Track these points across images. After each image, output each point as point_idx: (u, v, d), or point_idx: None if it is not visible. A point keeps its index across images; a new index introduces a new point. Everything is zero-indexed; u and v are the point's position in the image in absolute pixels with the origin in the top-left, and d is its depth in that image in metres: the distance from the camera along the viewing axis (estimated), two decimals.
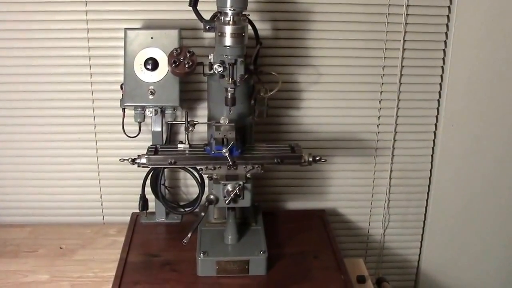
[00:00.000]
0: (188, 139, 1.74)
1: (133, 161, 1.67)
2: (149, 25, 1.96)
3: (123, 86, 1.88)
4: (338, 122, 2.16)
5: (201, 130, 1.94)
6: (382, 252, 2.39)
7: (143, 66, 1.85)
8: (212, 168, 1.67)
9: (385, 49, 2.07)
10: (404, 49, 2.07)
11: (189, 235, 1.62)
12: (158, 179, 1.99)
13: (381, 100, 2.14)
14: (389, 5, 2.01)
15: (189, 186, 2.19)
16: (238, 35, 1.63)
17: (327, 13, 2.02)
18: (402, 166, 2.25)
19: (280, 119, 2.13)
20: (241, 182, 1.64)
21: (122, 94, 1.89)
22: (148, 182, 1.99)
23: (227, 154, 1.62)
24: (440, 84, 2.14)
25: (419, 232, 2.38)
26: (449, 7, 2.03)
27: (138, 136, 1.96)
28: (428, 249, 2.39)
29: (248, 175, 1.66)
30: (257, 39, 1.85)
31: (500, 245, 2.41)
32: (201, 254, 1.74)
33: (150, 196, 2.03)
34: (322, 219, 2.12)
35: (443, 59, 2.11)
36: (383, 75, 2.11)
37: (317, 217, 2.14)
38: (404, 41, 2.06)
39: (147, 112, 1.90)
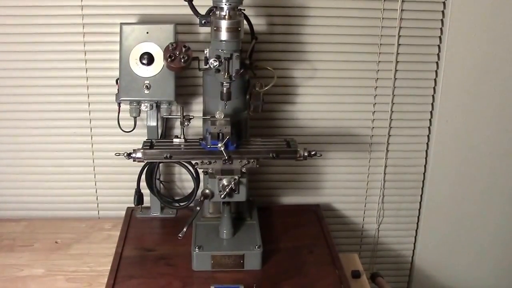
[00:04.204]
0: (183, 133, 1.74)
1: (129, 155, 1.67)
2: (144, 20, 1.96)
3: (118, 80, 1.89)
4: (333, 117, 2.17)
5: (197, 124, 1.94)
6: (376, 247, 2.40)
7: (138, 61, 1.85)
8: (208, 163, 1.67)
9: (380, 44, 2.07)
10: (399, 45, 2.08)
11: (185, 229, 1.62)
12: (153, 174, 1.99)
13: (375, 95, 2.15)
14: (384, 0, 2.02)
15: (184, 180, 2.19)
16: (234, 30, 1.63)
17: (323, 8, 2.02)
18: (397, 161, 2.26)
19: (275, 114, 2.14)
20: (236, 177, 1.64)
21: (118, 89, 1.89)
22: (143, 176, 1.99)
23: (222, 149, 1.63)
24: (435, 80, 2.15)
25: (413, 227, 2.38)
26: (444, 3, 2.04)
27: (134, 130, 1.97)
28: (422, 244, 2.40)
29: (244, 170, 1.67)
30: (253, 34, 1.86)
31: (494, 240, 2.42)
32: (196, 249, 1.74)
33: (145, 190, 2.03)
34: (316, 214, 2.13)
35: (438, 55, 2.11)
36: (378, 70, 2.11)
37: (312, 212, 2.15)
38: (399, 36, 2.07)
39: (143, 107, 1.90)
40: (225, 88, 1.66)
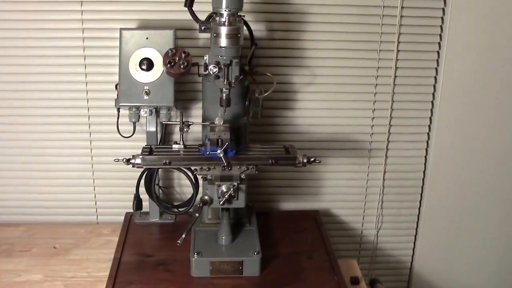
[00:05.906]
0: (182, 139, 1.74)
1: (128, 161, 1.67)
2: (144, 25, 1.96)
3: (118, 86, 1.88)
4: (332, 123, 2.17)
5: (196, 130, 1.94)
6: (375, 253, 2.40)
7: (138, 66, 1.85)
8: (207, 169, 1.67)
9: (379, 50, 2.07)
10: (398, 51, 2.08)
11: (183, 236, 1.62)
12: (152, 179, 1.99)
13: (375, 101, 2.15)
14: (384, 6, 2.02)
15: (183, 186, 2.19)
16: (233, 36, 1.63)
17: (322, 14, 2.02)
18: (396, 167, 2.26)
19: (275, 120, 2.14)
20: (235, 183, 1.64)
21: (117, 94, 1.89)
22: (142, 182, 1.99)
23: (221, 155, 1.63)
24: (434, 86, 2.15)
25: (412, 233, 2.38)
26: (443, 9, 2.04)
27: (133, 136, 1.97)
28: (421, 250, 2.40)
29: (243, 176, 1.66)
30: (252, 40, 1.86)
31: (493, 246, 2.42)
32: (195, 255, 1.74)
33: (144, 196, 2.03)
34: (315, 220, 2.13)
35: (437, 60, 2.11)
36: (377, 76, 2.11)
37: (311, 217, 2.15)
38: (398, 42, 2.07)
39: (142, 112, 1.90)
40: (224, 94, 1.66)
